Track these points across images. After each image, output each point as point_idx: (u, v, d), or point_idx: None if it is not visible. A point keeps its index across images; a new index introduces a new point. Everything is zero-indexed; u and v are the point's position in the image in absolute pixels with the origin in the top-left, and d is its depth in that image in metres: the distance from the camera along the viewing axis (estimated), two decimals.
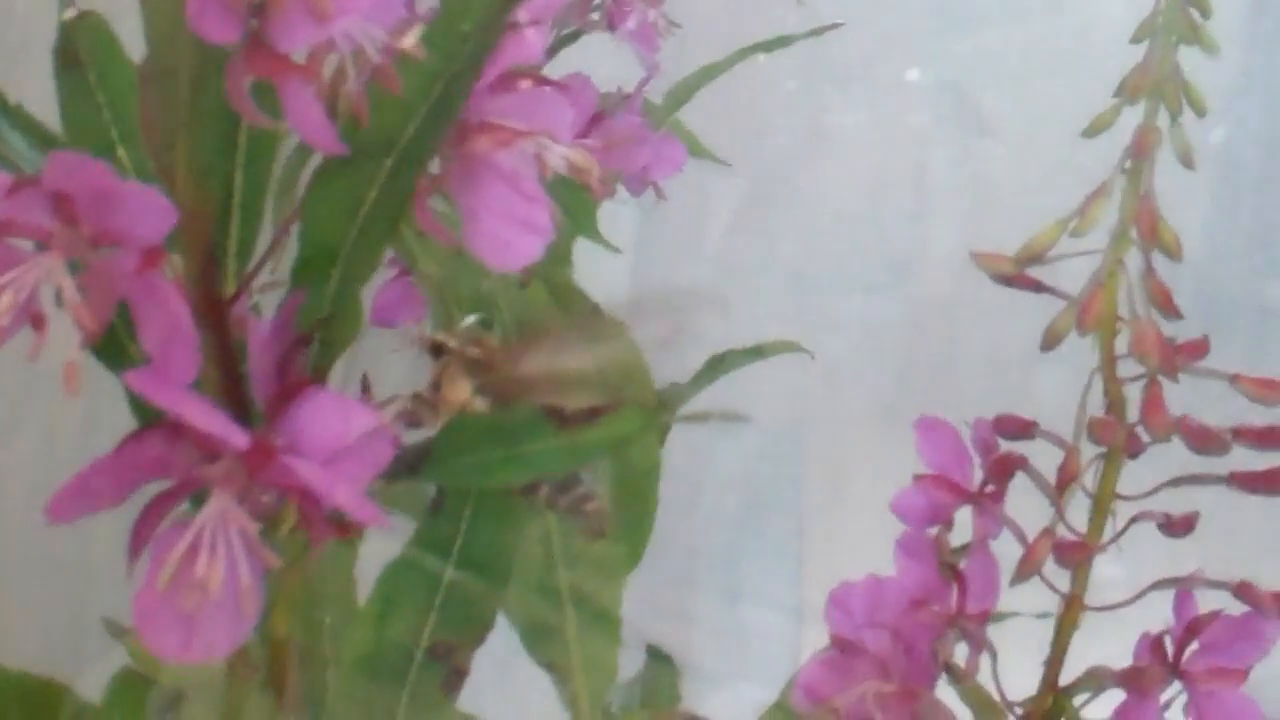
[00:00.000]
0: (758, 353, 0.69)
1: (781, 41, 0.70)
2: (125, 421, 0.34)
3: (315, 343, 0.34)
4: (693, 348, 0.73)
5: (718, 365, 0.68)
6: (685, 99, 0.70)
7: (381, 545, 0.41)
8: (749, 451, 0.94)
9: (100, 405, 0.35)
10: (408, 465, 0.35)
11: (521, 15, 0.34)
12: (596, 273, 0.70)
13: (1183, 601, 0.50)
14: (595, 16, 0.72)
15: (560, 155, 0.35)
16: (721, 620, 0.95)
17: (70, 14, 0.40)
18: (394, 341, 0.67)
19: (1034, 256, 0.50)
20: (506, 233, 0.34)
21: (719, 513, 0.95)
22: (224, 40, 0.28)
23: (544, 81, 0.35)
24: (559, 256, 0.61)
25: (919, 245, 0.91)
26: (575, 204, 0.60)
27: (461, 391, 0.41)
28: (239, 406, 0.35)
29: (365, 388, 0.42)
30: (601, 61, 0.70)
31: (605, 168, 0.65)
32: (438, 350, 0.44)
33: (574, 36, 0.71)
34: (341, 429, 0.32)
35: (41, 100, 0.39)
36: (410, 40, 0.31)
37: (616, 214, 0.76)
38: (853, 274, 0.91)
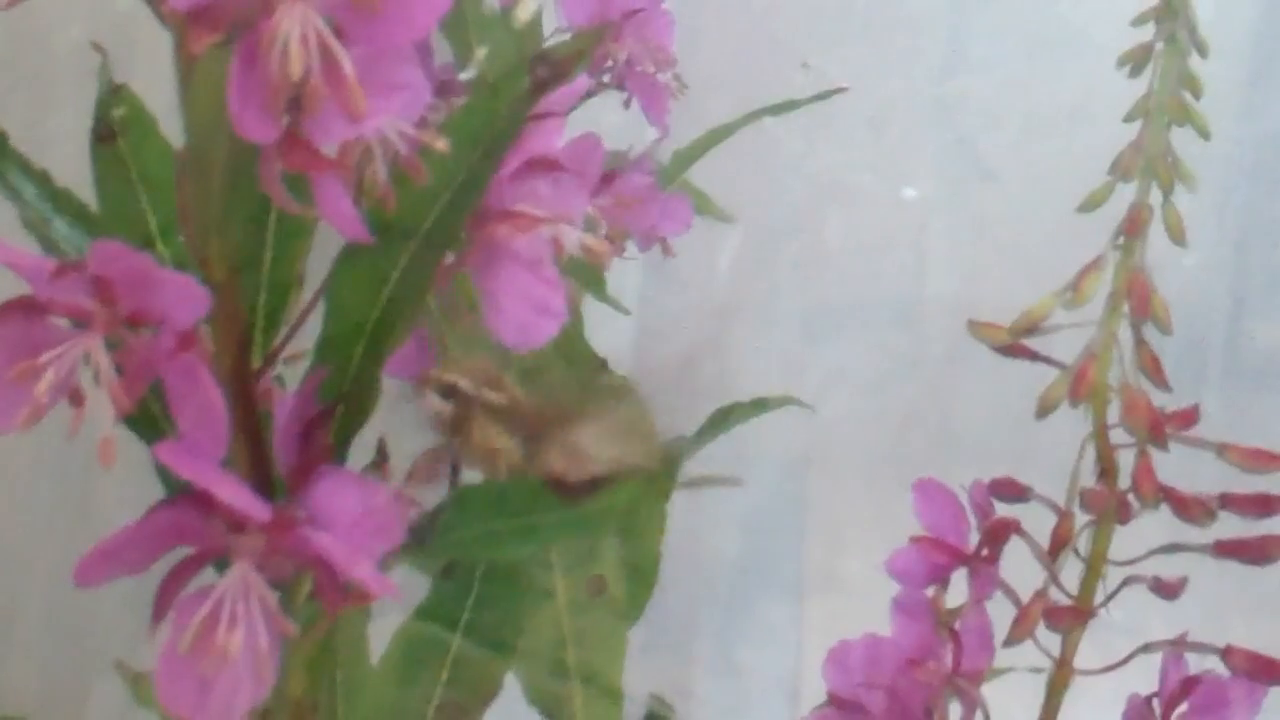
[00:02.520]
0: (761, 406, 0.70)
1: (788, 105, 0.71)
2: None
3: (337, 417, 0.36)
4: (698, 400, 0.75)
5: (722, 420, 0.70)
6: (694, 159, 0.72)
7: (395, 605, 0.42)
8: (749, 502, 0.95)
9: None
10: (418, 537, 0.36)
11: (542, 107, 0.36)
12: (604, 324, 0.71)
13: (1171, 664, 0.51)
14: (606, 78, 0.74)
15: (575, 240, 0.37)
16: (720, 673, 0.96)
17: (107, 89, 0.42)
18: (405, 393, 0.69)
19: (1029, 327, 0.52)
20: (524, 315, 0.36)
21: (718, 563, 0.96)
22: (262, 139, 0.30)
23: (563, 168, 0.37)
24: (572, 315, 0.63)
25: (923, 293, 0.93)
26: (584, 266, 0.61)
27: (495, 439, 0.42)
28: (262, 475, 0.36)
29: (382, 454, 0.44)
30: (605, 111, 0.72)
31: (614, 225, 0.67)
32: (449, 392, 0.44)
33: (586, 96, 0.72)
34: (359, 503, 0.34)
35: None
36: (434, 135, 0.33)
37: (623, 268, 0.77)
38: (858, 324, 0.93)
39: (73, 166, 0.41)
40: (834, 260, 0.90)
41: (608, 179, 0.66)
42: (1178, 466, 0.52)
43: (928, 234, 0.92)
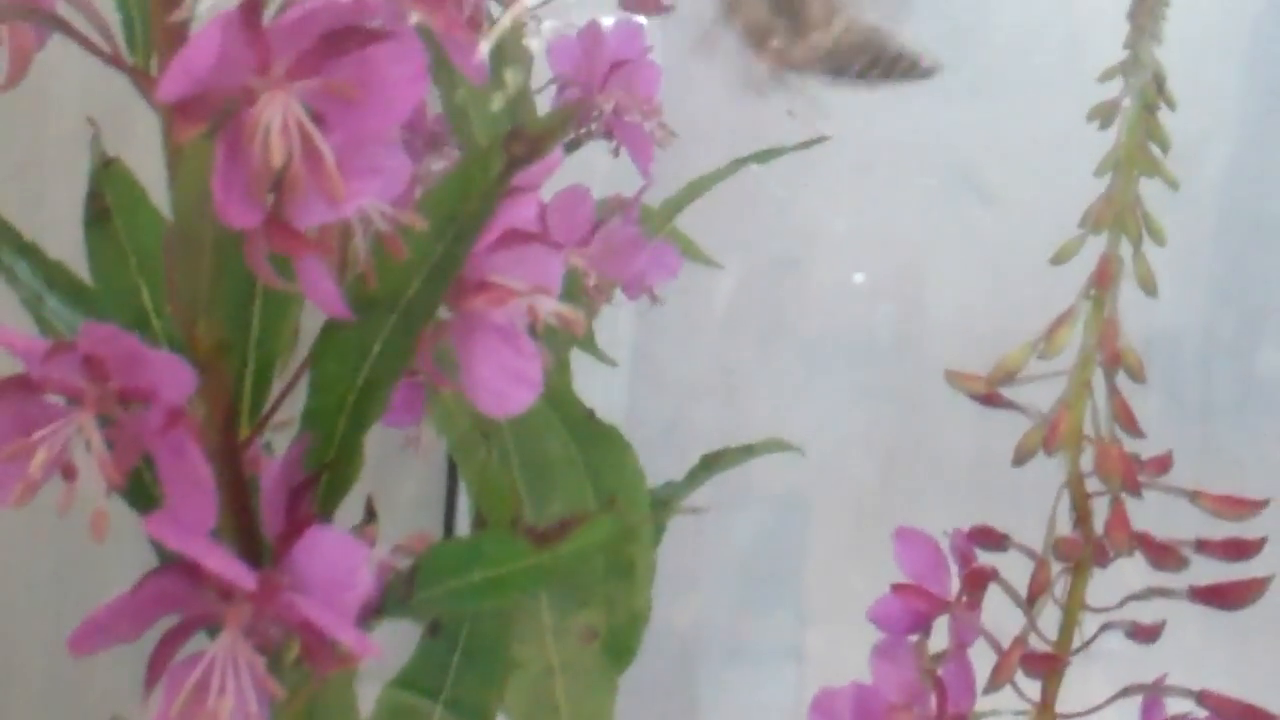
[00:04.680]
0: (749, 451, 0.72)
1: (773, 153, 0.73)
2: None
3: (321, 485, 0.37)
4: (689, 443, 0.76)
5: (711, 464, 0.71)
6: (681, 207, 0.73)
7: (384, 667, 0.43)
8: (746, 538, 0.96)
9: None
10: (398, 595, 0.37)
11: (519, 181, 0.37)
12: (596, 373, 0.72)
13: (1150, 707, 0.52)
14: (594, 126, 0.75)
15: (551, 310, 0.38)
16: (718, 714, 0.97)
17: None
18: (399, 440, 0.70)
19: (1005, 377, 0.53)
20: (500, 384, 0.37)
21: (717, 603, 0.97)
22: (246, 225, 0.31)
23: (539, 239, 0.38)
24: (558, 365, 0.64)
25: (921, 317, 0.93)
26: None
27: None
28: (250, 540, 0.38)
29: (370, 513, 0.45)
30: (594, 157, 0.73)
31: (602, 274, 0.68)
32: None
33: (574, 146, 0.74)
34: (345, 567, 0.35)
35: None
36: (413, 216, 0.34)
37: (615, 317, 0.79)
38: (852, 352, 0.94)
39: (68, 239, 0.43)
40: (823, 302, 0.91)
41: (595, 228, 0.67)
42: (1160, 503, 0.53)
43: (919, 274, 0.93)
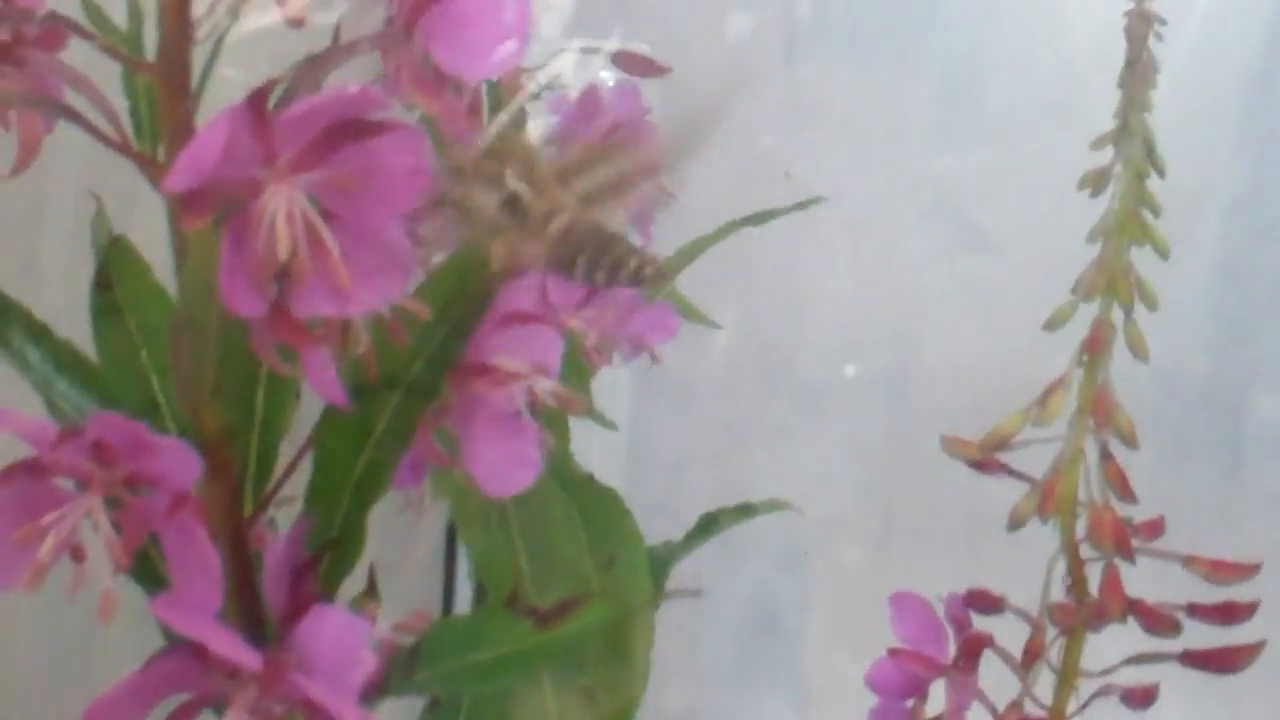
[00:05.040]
0: (748, 511, 0.72)
1: (768, 215, 0.73)
2: None
3: (325, 562, 0.38)
4: (687, 503, 0.76)
5: (710, 524, 0.71)
6: (680, 268, 0.73)
7: None
8: (748, 587, 0.96)
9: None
10: (401, 674, 0.38)
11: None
12: (594, 432, 0.73)
13: None
14: None
15: (549, 390, 0.38)
16: None
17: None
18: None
19: (999, 444, 0.54)
20: (501, 465, 0.38)
21: (718, 654, 0.97)
22: (251, 314, 0.32)
23: (539, 319, 0.39)
24: (558, 430, 0.65)
25: (919, 371, 0.94)
26: (572, 377, 0.63)
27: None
28: (254, 618, 0.38)
29: (372, 585, 0.45)
30: None
31: (601, 336, 0.69)
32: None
33: None
34: (348, 646, 0.36)
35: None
36: (416, 304, 0.35)
37: (613, 377, 0.79)
38: (847, 418, 0.94)
39: (64, 305, 0.43)
40: (820, 359, 0.92)
41: (595, 290, 0.68)
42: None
43: (916, 328, 0.94)
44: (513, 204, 0.36)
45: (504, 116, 0.37)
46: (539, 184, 0.36)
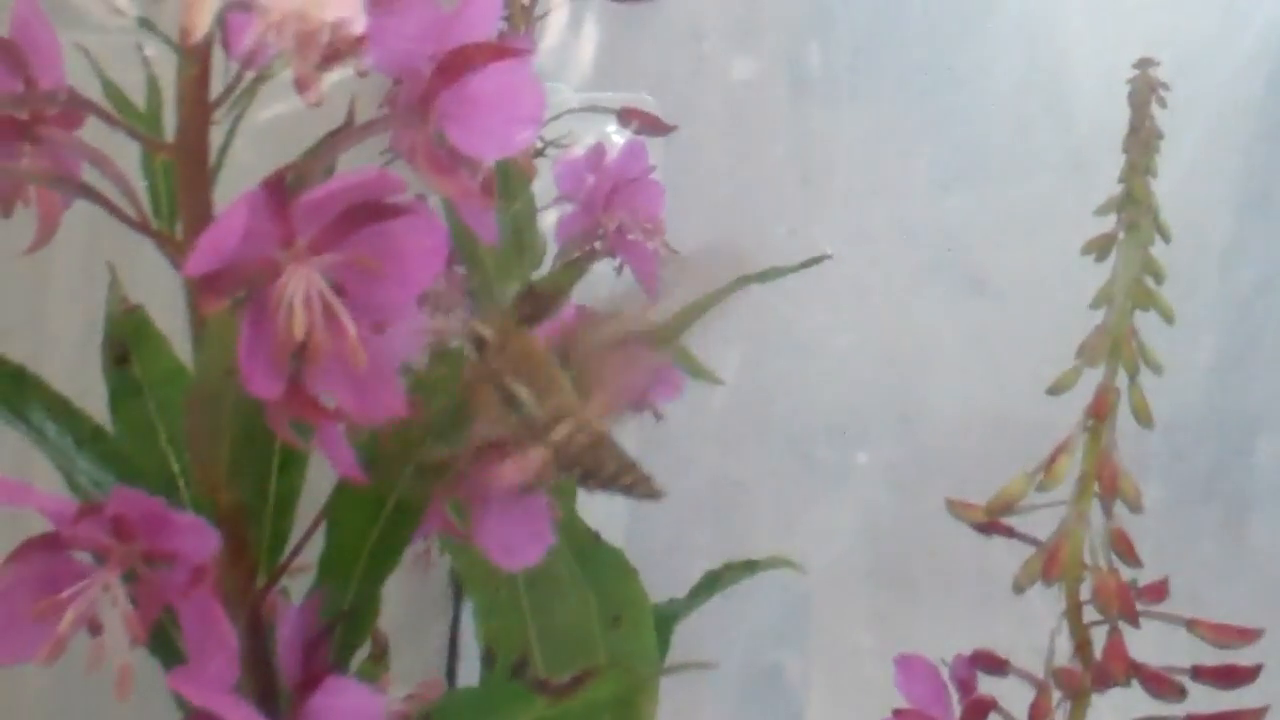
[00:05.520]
0: (751, 567, 0.72)
1: (774, 273, 0.74)
2: None
3: (338, 633, 0.38)
4: (689, 560, 0.77)
5: (714, 581, 0.71)
6: (685, 326, 0.74)
7: None
8: (753, 630, 0.97)
9: None
10: None
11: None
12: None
13: None
14: (598, 245, 0.77)
15: None
16: None
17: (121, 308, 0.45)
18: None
19: (1004, 507, 0.54)
20: (513, 540, 0.38)
21: (720, 713, 0.97)
22: (269, 395, 0.33)
23: None
24: (564, 496, 0.65)
25: (918, 408, 0.94)
26: None
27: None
28: (268, 689, 0.39)
29: (381, 648, 0.46)
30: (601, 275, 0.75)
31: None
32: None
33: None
34: (361, 718, 0.36)
35: None
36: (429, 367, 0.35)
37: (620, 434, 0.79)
38: (852, 474, 0.95)
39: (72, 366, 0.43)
40: (825, 415, 0.92)
41: None
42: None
43: (921, 378, 0.94)
44: (517, 408, 0.37)
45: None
46: (542, 387, 0.38)
